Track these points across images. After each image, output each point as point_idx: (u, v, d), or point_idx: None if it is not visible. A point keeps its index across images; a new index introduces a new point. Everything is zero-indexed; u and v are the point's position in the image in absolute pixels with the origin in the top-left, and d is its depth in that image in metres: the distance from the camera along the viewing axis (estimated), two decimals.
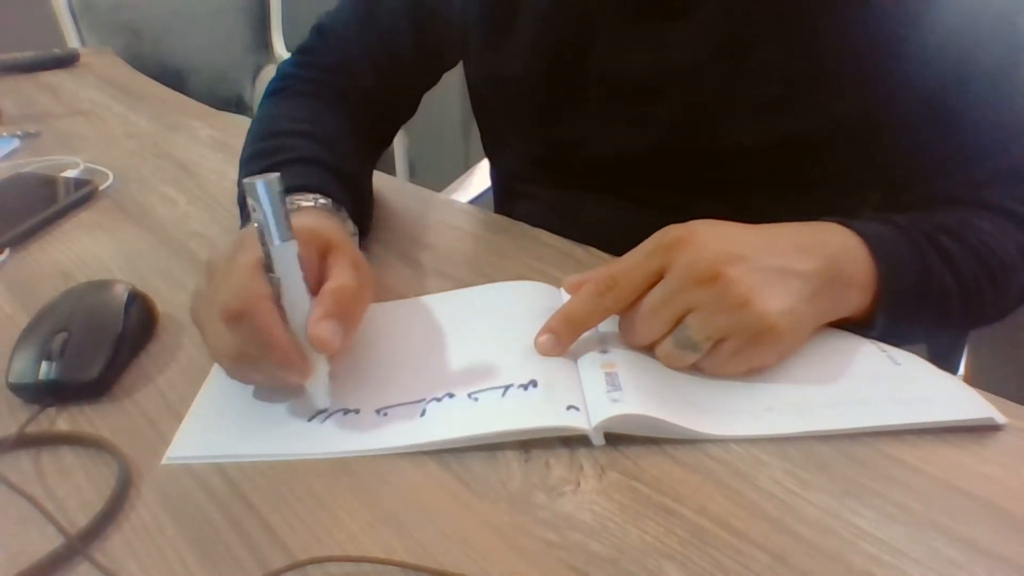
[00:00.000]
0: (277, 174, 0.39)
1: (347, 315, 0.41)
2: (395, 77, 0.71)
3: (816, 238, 0.46)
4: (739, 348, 0.42)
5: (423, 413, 0.42)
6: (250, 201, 0.39)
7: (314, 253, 0.44)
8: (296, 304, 0.40)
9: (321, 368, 0.42)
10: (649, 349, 0.45)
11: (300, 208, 0.52)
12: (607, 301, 0.44)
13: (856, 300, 0.47)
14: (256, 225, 0.39)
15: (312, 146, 0.60)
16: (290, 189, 0.53)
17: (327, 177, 0.57)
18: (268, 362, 0.40)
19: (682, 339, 0.43)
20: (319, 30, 0.73)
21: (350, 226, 0.56)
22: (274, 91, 0.71)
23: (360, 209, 0.60)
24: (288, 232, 0.39)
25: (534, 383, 0.42)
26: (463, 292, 0.54)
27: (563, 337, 0.45)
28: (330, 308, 0.40)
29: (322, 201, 0.54)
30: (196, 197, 0.74)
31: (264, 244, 0.39)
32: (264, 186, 0.38)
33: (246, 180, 0.38)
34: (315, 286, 0.42)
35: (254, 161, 0.60)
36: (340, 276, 0.43)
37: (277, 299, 0.40)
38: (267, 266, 0.40)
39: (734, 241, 0.44)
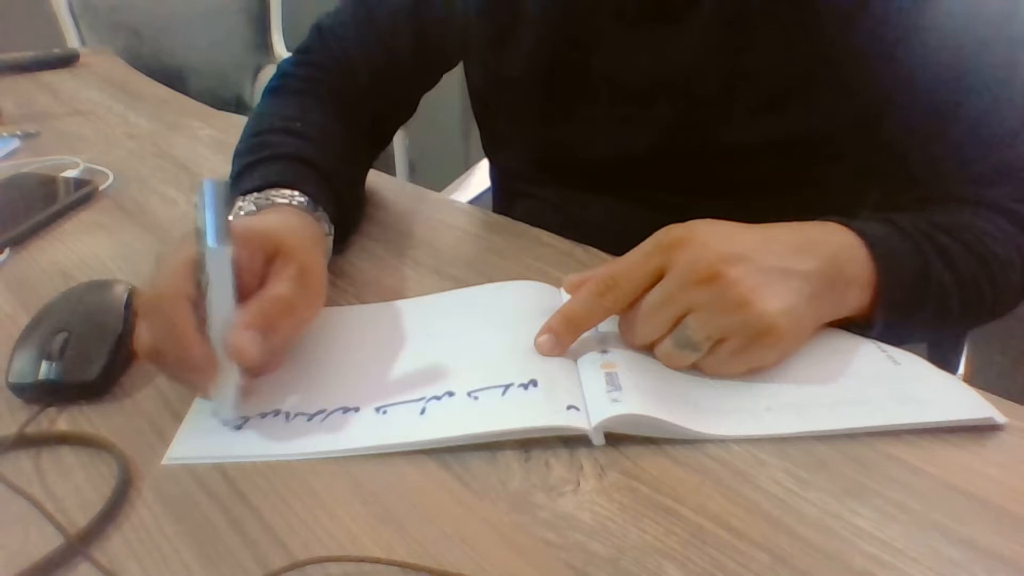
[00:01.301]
0: (223, 180, 0.39)
1: (273, 327, 0.40)
2: (393, 78, 0.71)
3: (816, 238, 0.46)
4: (739, 348, 0.42)
5: (423, 412, 0.42)
6: (195, 199, 0.39)
7: (259, 256, 0.43)
8: (219, 309, 0.39)
9: (229, 378, 0.40)
10: (649, 349, 0.45)
11: (273, 204, 0.52)
12: (607, 301, 0.44)
13: (856, 300, 0.47)
14: (196, 226, 0.39)
15: (297, 143, 0.60)
16: (266, 185, 0.53)
17: (308, 175, 0.56)
18: (172, 360, 0.39)
19: (682, 339, 0.43)
20: (318, 30, 0.73)
21: (325, 226, 0.55)
22: (271, 90, 0.71)
23: (343, 209, 0.59)
24: (225, 237, 0.39)
25: (534, 383, 0.42)
26: (463, 292, 0.54)
27: (563, 337, 0.45)
28: (254, 319, 0.40)
29: (299, 199, 0.53)
30: None
31: (200, 246, 0.39)
32: (210, 186, 0.38)
33: (202, 180, 0.38)
34: (253, 290, 0.42)
35: (240, 157, 0.60)
36: (276, 286, 0.42)
37: (201, 301, 0.39)
38: (200, 266, 0.39)
39: (735, 241, 0.43)
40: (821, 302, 0.45)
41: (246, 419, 0.42)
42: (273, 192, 0.53)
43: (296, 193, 0.53)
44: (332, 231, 0.57)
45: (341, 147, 0.64)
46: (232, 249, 0.39)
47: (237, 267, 0.40)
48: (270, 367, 0.42)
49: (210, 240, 0.38)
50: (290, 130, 0.62)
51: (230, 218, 0.40)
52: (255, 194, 0.53)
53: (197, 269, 0.39)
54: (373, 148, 0.73)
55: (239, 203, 0.53)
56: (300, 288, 0.43)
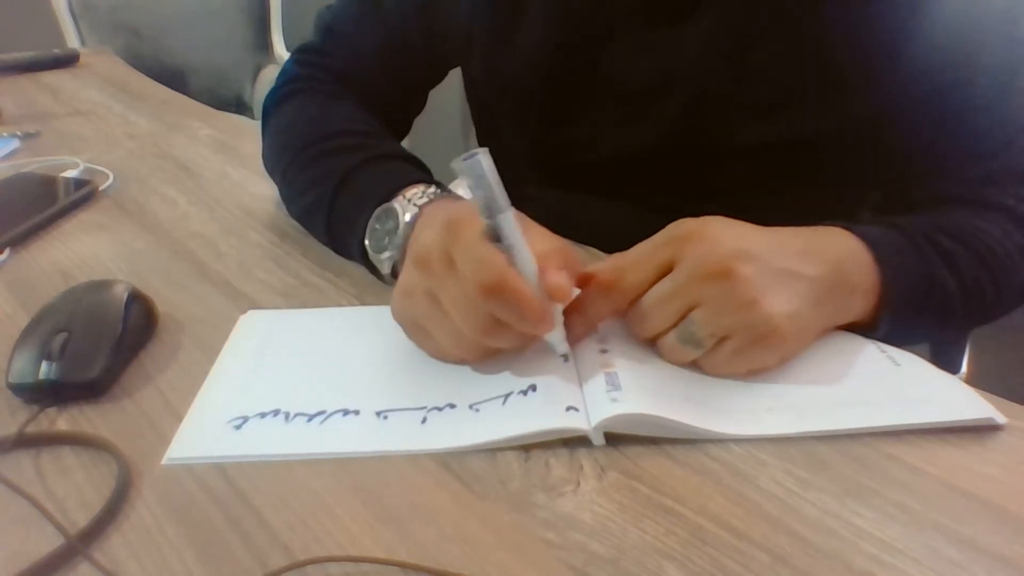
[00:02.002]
0: (485, 149, 0.40)
1: (570, 267, 0.43)
2: (404, 73, 0.71)
3: (821, 243, 0.46)
4: (741, 348, 0.42)
5: (424, 421, 0.42)
6: (469, 180, 0.40)
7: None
8: (525, 266, 0.42)
9: (559, 318, 0.43)
10: (651, 343, 0.45)
11: (438, 197, 0.52)
12: (616, 293, 0.44)
13: (860, 306, 0.47)
14: (480, 199, 0.40)
15: (387, 143, 0.61)
16: (411, 183, 0.53)
17: (422, 169, 0.57)
18: (524, 323, 0.41)
19: (686, 334, 0.43)
20: (326, 29, 0.72)
21: None
22: (289, 92, 0.70)
23: None
24: (508, 202, 0.41)
25: (533, 388, 0.42)
26: None
27: (577, 332, 0.45)
28: (557, 262, 0.42)
29: (435, 189, 0.53)
30: (196, 197, 0.74)
31: (490, 217, 0.41)
32: (481, 159, 0.40)
33: (461, 162, 0.39)
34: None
35: (324, 160, 0.60)
36: (546, 240, 0.45)
37: (511, 265, 0.41)
38: (491, 237, 0.41)
39: (746, 239, 0.43)
40: (825, 308, 0.45)
41: (245, 419, 0.42)
42: (423, 188, 0.53)
43: (435, 186, 0.54)
44: None
45: (397, 142, 0.65)
46: (513, 211, 0.41)
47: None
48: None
49: (501, 207, 0.41)
50: (362, 131, 0.63)
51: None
52: (415, 188, 0.53)
53: (493, 240, 0.41)
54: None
55: (398, 203, 0.52)
56: (556, 238, 0.46)
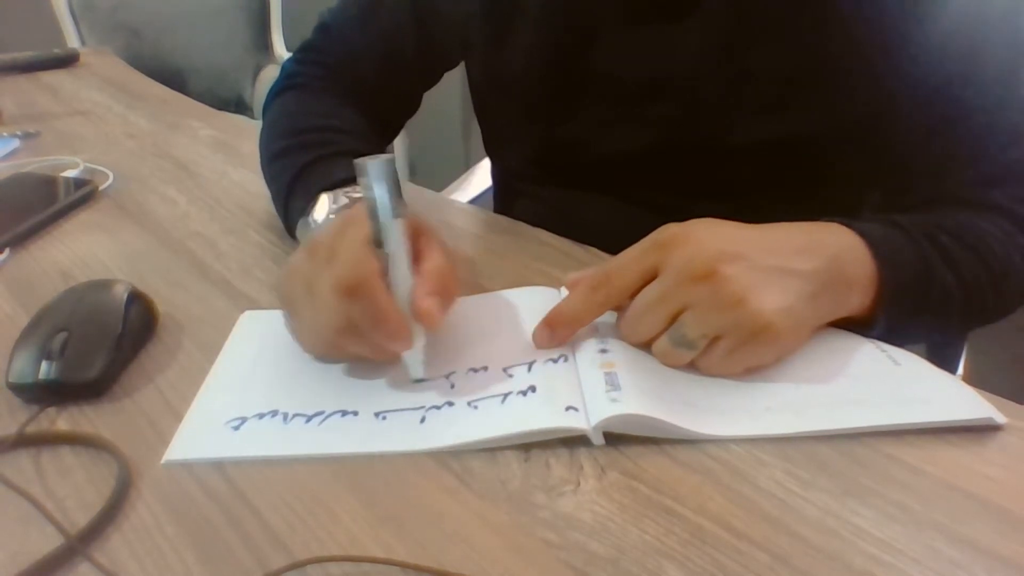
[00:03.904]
0: (391, 156, 0.41)
1: (446, 293, 0.43)
2: (397, 74, 0.71)
3: (817, 238, 0.46)
4: (734, 346, 0.42)
5: (423, 420, 0.42)
6: (363, 180, 0.40)
7: (408, 234, 0.45)
8: (402, 280, 0.42)
9: (419, 340, 0.43)
10: (647, 346, 0.45)
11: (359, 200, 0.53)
12: (599, 297, 0.45)
13: (857, 301, 0.47)
14: (369, 202, 0.41)
15: (351, 140, 0.62)
16: (346, 181, 0.55)
17: None
18: (377, 333, 0.41)
19: (678, 337, 0.43)
20: (323, 28, 0.74)
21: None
22: (285, 88, 0.72)
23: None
24: (400, 210, 0.41)
25: (533, 388, 0.42)
26: (463, 300, 0.54)
27: (559, 332, 0.46)
28: (434, 285, 0.42)
29: None
30: (196, 197, 0.74)
31: (377, 220, 0.41)
32: (382, 164, 0.40)
33: (360, 160, 0.40)
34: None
35: (291, 155, 0.61)
36: (437, 257, 0.44)
37: (385, 274, 0.41)
38: (376, 242, 0.41)
39: (732, 240, 0.44)
40: (821, 302, 0.45)
41: (243, 420, 0.42)
42: (354, 188, 0.54)
43: None
44: None
45: (375, 141, 0.66)
46: (404, 222, 0.42)
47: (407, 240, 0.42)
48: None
49: (390, 215, 0.41)
50: (333, 128, 0.64)
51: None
52: (344, 189, 0.54)
53: (375, 245, 0.41)
54: (386, 142, 0.75)
55: (327, 197, 0.54)
56: (452, 258, 0.45)
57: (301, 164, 0.59)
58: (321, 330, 0.43)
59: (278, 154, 0.63)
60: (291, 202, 0.59)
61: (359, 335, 0.41)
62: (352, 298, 0.40)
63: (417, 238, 0.45)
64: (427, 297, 0.42)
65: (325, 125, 0.64)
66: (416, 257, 0.44)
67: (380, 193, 0.40)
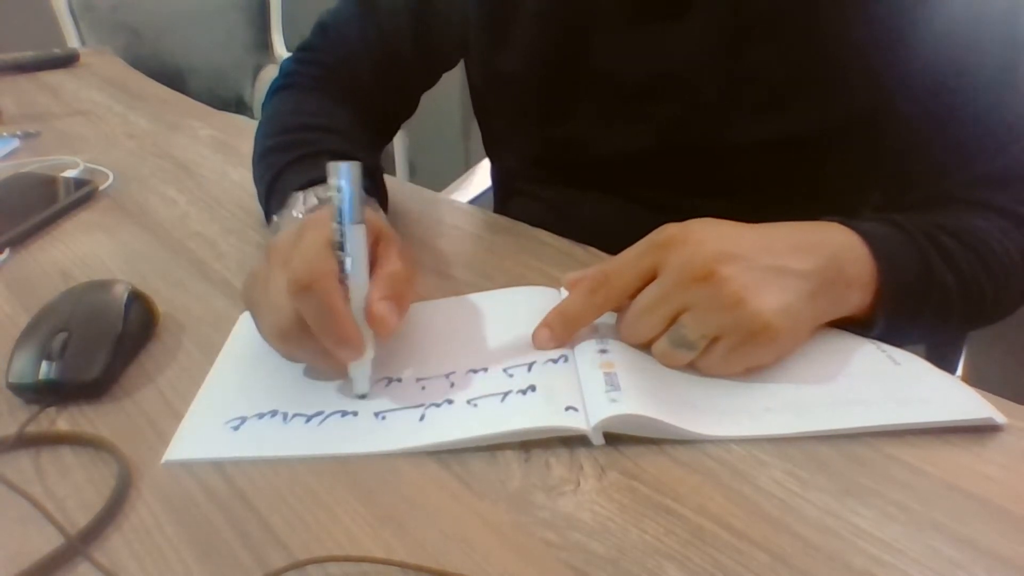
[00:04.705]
0: (358, 161, 0.41)
1: (400, 299, 0.43)
2: (394, 75, 0.71)
3: (816, 237, 0.46)
4: (734, 347, 0.42)
5: (422, 418, 0.42)
6: (331, 181, 0.40)
7: (369, 239, 0.45)
8: (358, 284, 0.42)
9: (368, 351, 0.42)
10: (647, 347, 0.45)
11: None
12: (598, 299, 0.45)
13: (856, 300, 0.47)
14: (332, 205, 0.41)
15: (336, 139, 0.62)
16: (320, 181, 0.54)
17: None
18: (326, 337, 0.40)
19: (677, 338, 0.43)
20: (321, 28, 0.74)
21: (382, 216, 0.57)
22: (282, 87, 0.72)
23: (383, 200, 0.62)
24: (361, 215, 0.41)
25: (533, 388, 0.42)
26: (462, 299, 0.54)
27: (558, 333, 0.46)
28: (388, 290, 0.42)
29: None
30: (196, 197, 0.74)
31: (339, 224, 0.41)
32: (347, 169, 0.40)
33: (331, 163, 0.40)
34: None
35: (274, 154, 0.61)
36: (393, 262, 0.44)
37: (341, 278, 0.41)
38: (336, 245, 0.41)
39: (730, 240, 0.44)
40: (820, 302, 0.45)
41: (243, 420, 0.42)
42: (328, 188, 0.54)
43: None
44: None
45: (365, 141, 0.66)
46: (365, 227, 0.41)
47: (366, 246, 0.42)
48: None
49: (350, 219, 0.41)
50: (322, 127, 0.63)
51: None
52: (317, 187, 0.54)
53: (335, 248, 0.41)
54: (381, 142, 0.75)
55: (300, 196, 0.54)
56: (409, 264, 0.45)
57: (283, 163, 0.59)
58: (275, 329, 0.42)
59: (264, 153, 0.63)
60: (271, 201, 0.59)
61: (310, 338, 0.41)
62: (305, 296, 0.40)
63: (376, 243, 0.45)
64: (381, 301, 0.41)
65: (312, 124, 0.64)
66: (373, 262, 0.44)
67: (344, 196, 0.40)
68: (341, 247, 0.41)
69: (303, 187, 0.55)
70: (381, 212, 0.57)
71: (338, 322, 0.40)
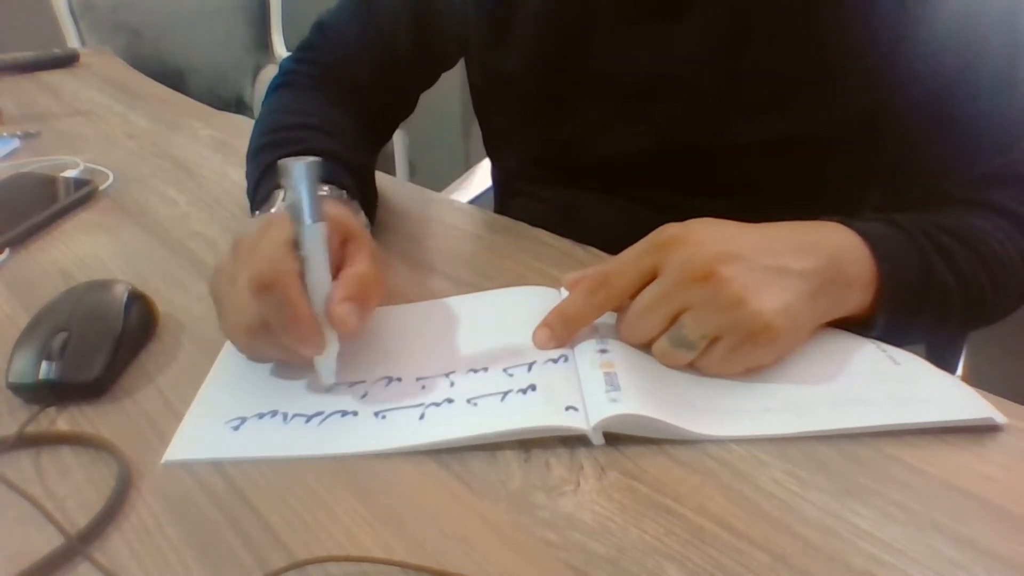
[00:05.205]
0: (316, 158, 0.41)
1: (365, 299, 0.43)
2: (393, 75, 0.71)
3: (816, 237, 0.46)
4: (734, 347, 0.42)
5: (422, 417, 0.42)
6: (285, 181, 0.40)
7: (336, 239, 0.45)
8: (318, 283, 0.42)
9: (332, 346, 0.43)
10: (647, 347, 0.45)
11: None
12: (598, 299, 0.45)
13: (857, 300, 0.47)
14: (290, 204, 0.41)
15: (323, 138, 0.62)
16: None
17: (338, 169, 0.58)
18: (287, 334, 0.41)
19: (677, 338, 0.43)
20: (320, 27, 0.74)
21: (362, 218, 0.57)
22: (278, 86, 0.72)
23: (369, 202, 0.62)
24: (319, 214, 0.41)
25: (533, 387, 0.42)
26: (463, 299, 0.54)
27: (558, 333, 0.46)
28: (351, 291, 0.42)
29: (337, 192, 0.55)
30: (196, 197, 0.74)
31: (296, 223, 0.41)
32: (303, 168, 0.40)
33: (283, 160, 0.40)
34: (334, 271, 0.43)
35: (263, 153, 0.61)
36: (360, 263, 0.44)
37: (301, 277, 0.41)
38: (296, 244, 0.41)
39: (731, 240, 0.44)
40: (820, 302, 0.45)
41: (243, 420, 0.42)
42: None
43: (334, 187, 0.55)
44: (368, 223, 0.59)
45: (357, 142, 0.66)
46: (325, 225, 0.41)
47: (327, 244, 0.42)
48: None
49: (308, 218, 0.41)
50: (311, 126, 0.63)
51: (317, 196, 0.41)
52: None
53: (295, 247, 0.41)
54: (378, 142, 0.75)
55: (279, 193, 0.54)
56: (378, 265, 0.45)
57: (268, 161, 0.59)
58: (239, 327, 0.43)
59: (252, 154, 0.64)
60: (255, 200, 0.59)
61: (269, 335, 0.41)
62: (265, 295, 0.40)
63: (346, 243, 0.45)
64: (341, 303, 0.41)
65: (301, 123, 0.64)
66: (343, 262, 0.44)
67: (300, 195, 0.40)
68: (300, 246, 0.41)
69: (280, 186, 0.55)
70: (361, 213, 0.57)
71: (298, 320, 0.40)
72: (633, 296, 0.44)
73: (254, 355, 0.45)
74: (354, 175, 0.59)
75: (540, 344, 0.46)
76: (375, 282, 0.44)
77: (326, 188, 0.55)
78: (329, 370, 0.44)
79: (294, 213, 0.41)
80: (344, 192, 0.56)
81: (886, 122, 0.57)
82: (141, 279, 0.56)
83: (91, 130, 0.96)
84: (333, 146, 0.61)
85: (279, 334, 0.41)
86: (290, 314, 0.40)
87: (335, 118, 0.66)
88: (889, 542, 0.34)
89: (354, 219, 0.50)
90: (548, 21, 0.63)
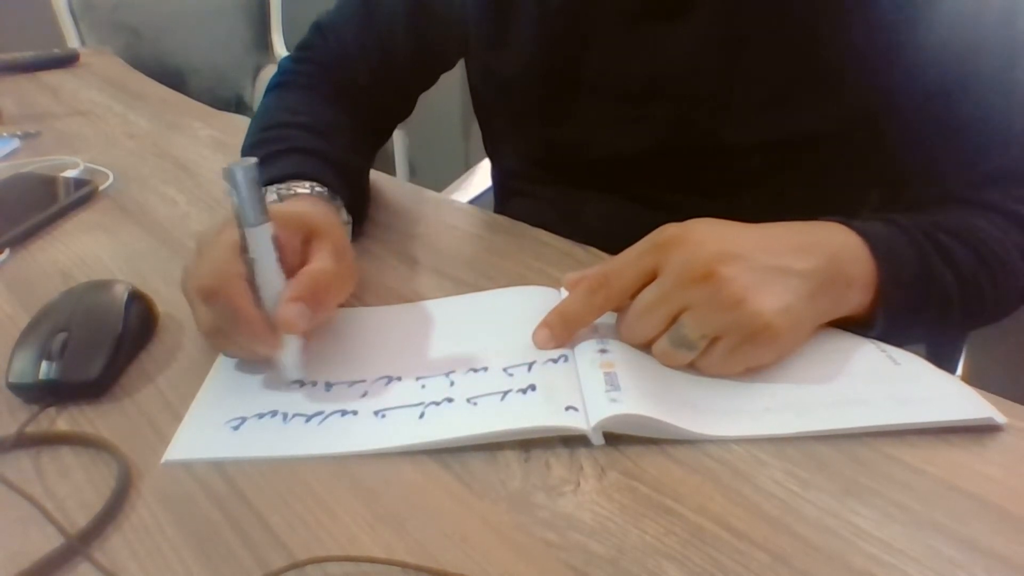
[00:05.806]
0: (255, 159, 0.41)
1: (318, 298, 0.43)
2: (391, 76, 0.71)
3: (816, 237, 0.46)
4: (734, 347, 0.42)
5: (422, 416, 0.42)
6: (226, 185, 0.40)
7: (297, 237, 0.46)
8: (268, 284, 0.42)
9: (292, 342, 0.43)
10: (647, 347, 0.45)
11: (296, 195, 0.54)
12: (598, 299, 0.45)
13: (856, 300, 0.47)
14: (234, 208, 0.41)
15: (309, 137, 0.62)
16: (287, 177, 0.55)
17: (323, 166, 0.58)
18: (238, 337, 0.42)
19: (677, 338, 0.43)
20: (318, 27, 0.74)
21: (344, 215, 0.58)
22: (274, 85, 0.72)
23: (356, 199, 0.62)
24: (262, 216, 0.41)
25: (533, 387, 0.42)
26: (463, 298, 0.54)
27: (558, 333, 0.46)
28: (300, 291, 0.43)
29: (318, 189, 0.55)
30: (196, 197, 0.74)
31: (241, 227, 0.41)
32: (240, 171, 0.40)
33: (225, 165, 0.40)
34: (296, 268, 0.44)
35: (253, 151, 0.61)
36: (318, 260, 0.45)
37: (251, 278, 0.42)
38: (243, 247, 0.41)
39: (730, 240, 0.44)
40: (820, 302, 0.45)
41: (243, 420, 0.42)
42: (294, 183, 0.55)
43: (315, 184, 0.56)
44: (350, 220, 0.59)
45: (349, 141, 0.66)
46: (271, 226, 0.42)
47: (279, 246, 0.42)
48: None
49: (249, 220, 0.41)
50: (301, 124, 0.64)
51: (266, 198, 0.43)
52: (277, 185, 0.55)
53: (241, 250, 0.42)
54: (375, 142, 0.74)
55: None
56: (339, 263, 0.45)
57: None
58: (201, 327, 0.45)
59: (243, 152, 0.64)
60: None
61: (226, 336, 0.43)
62: (212, 302, 0.41)
63: (309, 240, 0.46)
64: (289, 303, 0.42)
65: (291, 121, 0.64)
66: (305, 261, 0.45)
67: (239, 199, 0.40)
68: (246, 249, 0.41)
69: (267, 183, 0.55)
70: (343, 211, 0.57)
71: (245, 323, 0.41)
72: (633, 296, 0.44)
73: (227, 354, 0.47)
74: (341, 174, 0.59)
75: (540, 344, 0.46)
76: (331, 280, 0.44)
77: (307, 185, 0.55)
78: (292, 366, 0.44)
79: (237, 216, 0.41)
80: (325, 189, 0.56)
81: (885, 122, 0.57)
82: (141, 279, 0.56)
83: (91, 130, 0.96)
84: (320, 145, 0.61)
85: (233, 336, 0.42)
86: (238, 317, 0.41)
87: (329, 118, 0.66)
88: (889, 542, 0.34)
89: (327, 215, 0.50)
90: (547, 22, 0.63)
